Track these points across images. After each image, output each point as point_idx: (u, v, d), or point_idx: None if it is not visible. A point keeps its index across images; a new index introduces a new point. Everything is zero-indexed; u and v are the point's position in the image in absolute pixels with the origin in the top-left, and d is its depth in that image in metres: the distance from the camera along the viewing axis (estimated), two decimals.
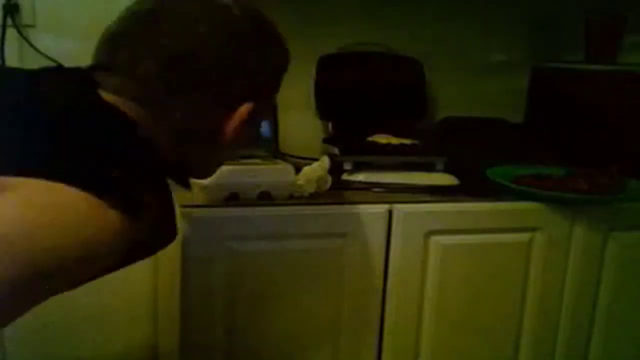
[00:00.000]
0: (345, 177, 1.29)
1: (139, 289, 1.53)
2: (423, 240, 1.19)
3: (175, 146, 0.69)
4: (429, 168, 1.32)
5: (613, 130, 1.43)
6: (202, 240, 1.08)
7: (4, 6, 1.29)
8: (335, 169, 1.25)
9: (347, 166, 1.29)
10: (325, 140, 1.41)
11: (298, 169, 1.17)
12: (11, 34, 1.30)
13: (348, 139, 1.38)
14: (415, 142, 1.37)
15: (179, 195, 1.14)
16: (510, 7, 1.63)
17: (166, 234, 0.70)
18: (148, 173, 0.63)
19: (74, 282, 0.59)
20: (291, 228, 1.12)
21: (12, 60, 1.30)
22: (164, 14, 0.68)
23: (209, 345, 1.12)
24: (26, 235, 0.49)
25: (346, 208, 1.16)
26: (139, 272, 1.52)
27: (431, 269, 1.21)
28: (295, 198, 1.15)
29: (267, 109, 1.02)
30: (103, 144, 0.58)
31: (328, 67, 1.48)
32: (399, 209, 1.17)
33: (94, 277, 0.62)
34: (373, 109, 1.50)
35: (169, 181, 0.72)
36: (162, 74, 0.66)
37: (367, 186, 1.27)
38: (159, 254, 1.52)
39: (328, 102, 1.48)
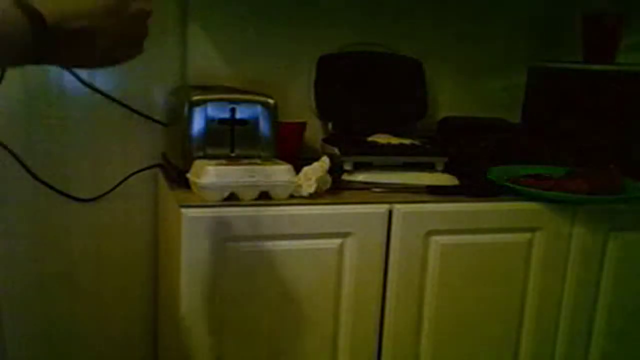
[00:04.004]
0: (345, 177, 1.29)
1: (138, 289, 1.53)
2: (423, 240, 1.19)
3: None
4: (429, 168, 1.32)
5: (612, 130, 1.43)
6: (201, 240, 1.08)
7: None
8: (335, 169, 1.25)
9: (347, 166, 1.29)
10: (325, 140, 1.41)
11: (298, 169, 1.17)
12: None
13: (348, 139, 1.38)
14: (415, 142, 1.37)
15: (178, 196, 1.14)
16: (509, 7, 1.63)
17: None
18: None
19: None
20: (291, 228, 1.12)
21: None
22: None
23: (208, 344, 1.12)
24: None
25: (346, 208, 1.16)
26: (139, 272, 1.52)
27: (431, 269, 1.21)
28: (295, 198, 1.15)
29: None
30: None
31: (328, 67, 1.48)
32: (399, 209, 1.17)
33: None
34: (373, 108, 1.50)
35: None
36: None
37: (367, 186, 1.27)
38: (158, 254, 1.52)
39: (328, 102, 1.48)
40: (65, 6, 0.64)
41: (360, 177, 1.28)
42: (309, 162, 1.20)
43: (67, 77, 1.38)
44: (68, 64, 0.70)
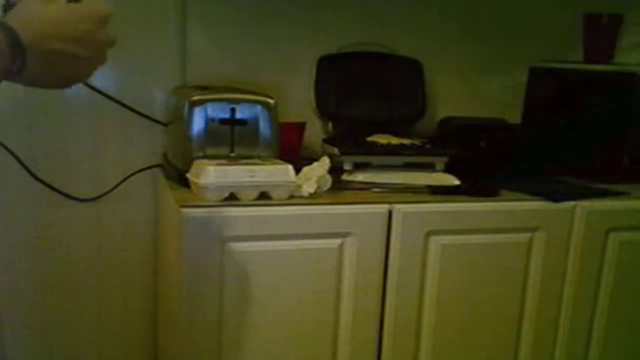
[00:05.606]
0: (345, 177, 1.29)
1: (138, 289, 1.53)
2: (423, 240, 1.19)
3: None
4: (429, 168, 1.32)
5: (611, 131, 1.43)
6: (201, 240, 1.08)
7: (4, 6, 1.28)
8: (335, 169, 1.25)
9: (347, 166, 1.29)
10: (325, 140, 1.41)
11: (298, 169, 1.17)
12: None
13: (348, 139, 1.38)
14: (415, 142, 1.37)
15: (178, 196, 1.14)
16: (510, 7, 1.63)
17: None
18: None
19: None
20: (291, 228, 1.12)
21: None
22: None
23: (208, 344, 1.12)
24: None
25: (346, 208, 1.16)
26: (139, 272, 1.52)
27: (431, 269, 1.21)
28: (295, 198, 1.15)
29: None
30: None
31: (328, 67, 1.48)
32: (399, 209, 1.17)
33: None
34: (373, 109, 1.51)
35: None
36: None
37: (367, 186, 1.27)
38: (158, 254, 1.52)
39: (328, 102, 1.48)
40: (39, 29, 0.70)
41: (360, 177, 1.28)
42: (309, 162, 1.20)
43: None
44: (35, 84, 0.74)
